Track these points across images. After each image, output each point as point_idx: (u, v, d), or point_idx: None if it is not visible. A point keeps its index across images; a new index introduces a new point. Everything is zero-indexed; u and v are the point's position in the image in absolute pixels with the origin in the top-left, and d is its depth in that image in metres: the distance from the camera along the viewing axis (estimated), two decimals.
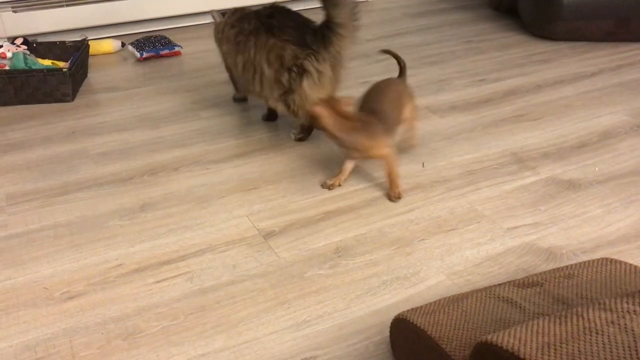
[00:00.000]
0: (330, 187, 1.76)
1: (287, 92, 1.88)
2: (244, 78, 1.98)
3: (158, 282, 1.41)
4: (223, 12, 2.06)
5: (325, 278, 1.42)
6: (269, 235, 1.57)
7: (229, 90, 2.45)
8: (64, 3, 2.93)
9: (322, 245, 1.53)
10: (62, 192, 1.77)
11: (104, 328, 1.28)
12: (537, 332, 0.87)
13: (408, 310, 1.13)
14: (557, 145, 1.97)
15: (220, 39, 2.04)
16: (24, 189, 1.79)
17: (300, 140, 2.04)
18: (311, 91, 1.84)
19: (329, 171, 1.85)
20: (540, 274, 1.19)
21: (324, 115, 1.61)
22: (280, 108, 1.95)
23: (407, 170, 1.85)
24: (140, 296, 1.37)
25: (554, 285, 1.15)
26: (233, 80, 2.20)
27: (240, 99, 2.32)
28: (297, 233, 1.58)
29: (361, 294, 1.36)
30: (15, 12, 2.85)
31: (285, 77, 1.85)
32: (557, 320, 0.90)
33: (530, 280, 1.17)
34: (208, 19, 3.32)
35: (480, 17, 3.35)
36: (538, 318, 0.95)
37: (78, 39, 2.66)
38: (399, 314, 1.14)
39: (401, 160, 1.90)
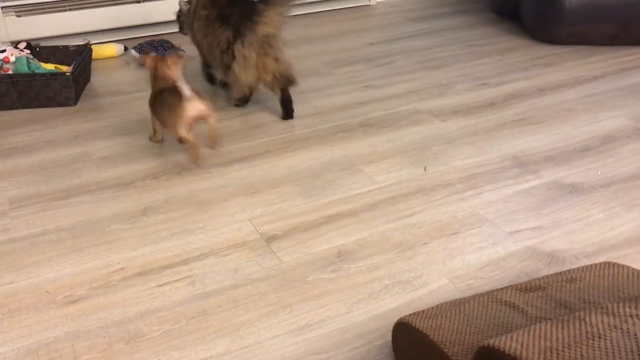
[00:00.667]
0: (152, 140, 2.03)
1: (226, 71, 2.18)
2: (208, 56, 2.30)
3: (160, 286, 1.41)
4: (189, 1, 2.33)
5: (327, 282, 1.42)
6: (271, 239, 1.57)
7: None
8: (67, 7, 2.94)
9: (324, 249, 1.53)
10: (64, 195, 1.77)
11: (106, 332, 1.28)
12: (540, 337, 0.87)
13: (410, 315, 1.13)
14: (560, 149, 1.97)
15: (191, 22, 2.29)
16: (26, 193, 1.79)
17: (236, 106, 2.36)
18: (240, 72, 2.12)
19: (331, 175, 1.85)
20: (543, 278, 1.19)
21: (148, 64, 1.93)
22: (222, 74, 2.27)
23: (409, 174, 1.85)
24: (142, 300, 1.37)
25: (556, 290, 1.14)
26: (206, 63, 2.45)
27: (239, 104, 2.34)
28: (299, 237, 1.58)
29: (363, 298, 1.36)
30: (18, 16, 2.86)
31: (225, 58, 2.15)
32: (560, 325, 0.90)
33: (533, 285, 1.16)
34: None
35: (482, 21, 3.35)
36: (540, 322, 0.95)
37: (81, 43, 2.67)
38: (401, 318, 1.14)
39: (403, 164, 1.91)
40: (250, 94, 2.32)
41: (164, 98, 1.84)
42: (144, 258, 1.50)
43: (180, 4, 2.38)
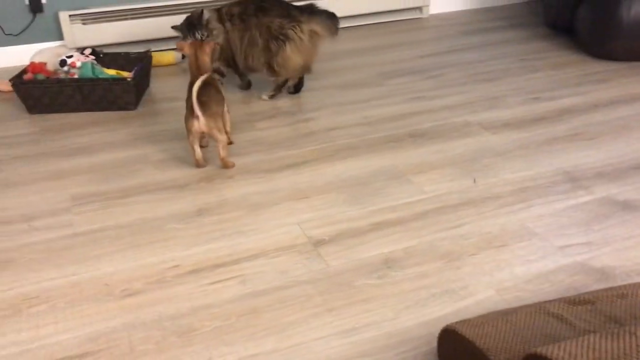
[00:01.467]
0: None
1: (272, 57, 2.41)
2: (244, 53, 2.47)
3: (212, 283, 1.46)
4: (217, 8, 2.50)
5: (373, 288, 1.44)
6: (318, 243, 1.61)
7: (284, 103, 2.52)
8: (129, 16, 3.08)
9: (371, 255, 1.56)
10: (123, 195, 1.86)
11: (161, 325, 1.34)
12: (588, 348, 0.87)
13: (457, 322, 1.14)
14: (613, 166, 1.94)
15: (223, 23, 2.47)
16: (88, 191, 1.88)
17: (271, 98, 2.55)
18: (292, 54, 2.40)
19: (379, 183, 1.88)
20: (593, 292, 1.18)
21: (187, 50, 2.03)
22: (263, 71, 2.50)
23: (458, 186, 1.85)
24: (195, 296, 1.42)
25: (606, 304, 1.14)
26: (235, 66, 2.61)
27: (275, 93, 2.57)
28: (346, 242, 1.61)
29: (410, 305, 1.38)
30: (84, 24, 3.01)
31: (273, 44, 2.39)
32: (609, 337, 0.90)
33: (582, 298, 1.16)
34: None
35: (535, 35, 3.32)
36: (589, 334, 0.95)
37: (142, 51, 2.79)
38: (447, 325, 1.15)
39: (452, 175, 1.91)
40: (286, 82, 2.56)
41: (188, 98, 1.92)
42: (197, 256, 1.56)
43: (203, 15, 2.45)
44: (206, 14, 2.43)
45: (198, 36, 2.40)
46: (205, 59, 2.00)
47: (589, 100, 2.44)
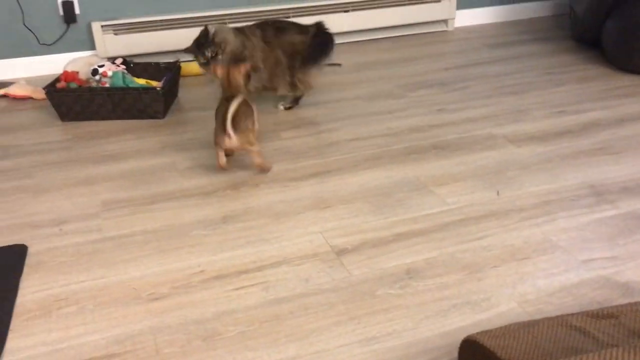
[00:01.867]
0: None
1: (295, 73, 2.48)
2: (269, 74, 2.49)
3: (236, 289, 1.49)
4: (238, 29, 2.50)
5: (395, 297, 1.45)
6: (341, 252, 1.63)
7: (308, 113, 2.56)
8: (159, 27, 3.15)
9: (393, 265, 1.57)
10: (151, 201, 1.90)
11: (186, 329, 1.37)
12: None
13: (478, 333, 1.15)
14: (638, 181, 1.92)
15: (247, 45, 2.46)
16: (117, 197, 1.93)
17: (288, 109, 2.61)
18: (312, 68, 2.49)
19: (402, 194, 1.89)
20: (616, 306, 1.18)
21: (219, 73, 2.04)
22: (286, 89, 2.54)
23: (481, 198, 1.86)
24: (220, 302, 1.45)
25: (630, 319, 1.13)
26: None
27: (293, 105, 2.62)
28: (368, 252, 1.62)
29: (431, 315, 1.39)
30: (116, 34, 3.09)
31: (297, 61, 2.46)
32: (632, 351, 0.90)
33: (605, 312, 1.16)
34: None
35: (561, 49, 3.31)
36: (612, 348, 0.95)
37: (171, 61, 2.85)
38: (468, 336, 1.16)
39: (475, 187, 1.92)
40: (302, 96, 2.64)
41: (219, 111, 1.96)
42: (222, 262, 1.59)
43: (209, 30, 2.42)
44: (211, 29, 2.43)
45: (208, 54, 2.40)
46: (239, 79, 2.02)
47: (614, 115, 2.42)
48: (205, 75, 3.06)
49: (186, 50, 2.48)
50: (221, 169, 2.02)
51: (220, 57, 2.39)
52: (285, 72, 2.49)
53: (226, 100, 1.95)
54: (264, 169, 2.02)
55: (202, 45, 2.41)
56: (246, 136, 1.93)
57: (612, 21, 2.92)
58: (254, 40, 2.46)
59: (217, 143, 1.95)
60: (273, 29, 2.48)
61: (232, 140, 1.90)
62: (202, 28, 2.44)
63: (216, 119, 1.97)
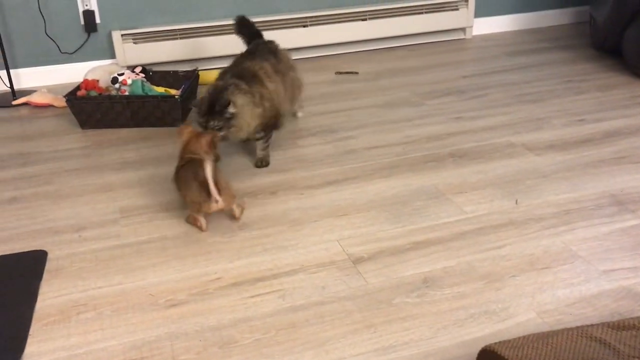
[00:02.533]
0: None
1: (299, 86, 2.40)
2: (290, 98, 2.32)
3: (252, 297, 1.49)
4: (253, 74, 2.11)
5: (412, 306, 1.44)
6: (358, 260, 1.62)
7: (325, 121, 2.56)
8: (178, 36, 3.18)
9: (410, 274, 1.56)
10: (169, 208, 1.91)
11: (202, 335, 1.37)
12: None
13: (496, 343, 1.14)
14: None
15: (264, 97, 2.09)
16: (136, 204, 1.94)
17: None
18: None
19: (419, 202, 1.88)
20: (638, 317, 1.16)
21: (182, 137, 1.84)
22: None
23: (499, 207, 1.84)
24: (236, 309, 1.45)
25: None
26: None
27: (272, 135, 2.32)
28: (385, 260, 1.61)
29: (448, 325, 1.37)
30: (135, 43, 3.12)
31: (296, 74, 2.37)
32: None
33: (627, 323, 1.14)
34: (308, 54, 3.47)
35: (581, 57, 3.28)
36: None
37: (189, 69, 2.87)
38: (486, 346, 1.15)
39: (493, 196, 1.90)
40: None
41: (188, 177, 1.73)
42: (238, 270, 1.59)
43: (239, 113, 1.97)
44: (232, 99, 1.96)
45: (213, 124, 1.95)
46: (199, 148, 1.74)
47: (636, 123, 2.39)
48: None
49: (194, 104, 2.01)
50: (202, 230, 1.79)
51: (222, 130, 1.96)
52: (297, 90, 2.42)
53: (188, 162, 1.74)
54: (239, 213, 1.83)
55: (214, 113, 1.94)
56: (230, 195, 1.76)
57: (633, 29, 2.88)
58: (270, 84, 2.11)
59: (200, 210, 1.74)
60: (272, 57, 2.25)
61: (219, 203, 1.71)
62: (221, 87, 1.99)
63: (184, 184, 1.75)
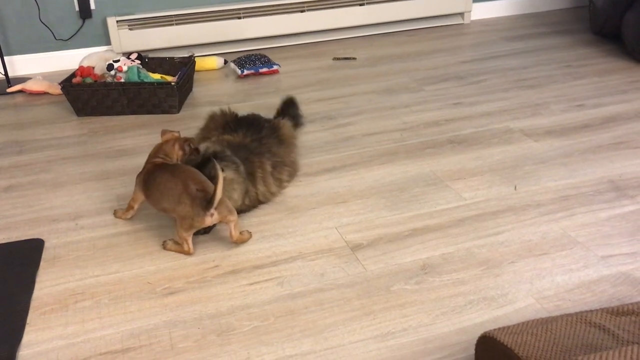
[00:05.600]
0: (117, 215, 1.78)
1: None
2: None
3: (251, 284, 1.49)
4: (247, 158, 1.85)
5: (410, 293, 1.44)
6: (356, 247, 1.61)
7: (323, 108, 2.54)
8: (174, 22, 3.15)
9: (409, 261, 1.55)
10: None
11: (200, 323, 1.37)
12: (632, 359, 0.86)
13: (495, 329, 1.13)
14: None
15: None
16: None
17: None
18: None
19: (417, 189, 1.88)
20: (637, 303, 1.16)
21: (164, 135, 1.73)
22: None
23: (498, 193, 1.84)
24: (234, 296, 1.45)
25: None
26: None
27: None
28: (384, 247, 1.61)
29: (447, 311, 1.37)
30: (131, 29, 3.09)
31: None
32: None
33: (626, 309, 1.14)
34: (305, 40, 3.44)
35: (580, 41, 3.26)
36: (632, 345, 0.93)
37: (185, 56, 2.85)
38: (486, 332, 1.15)
39: (492, 182, 1.90)
40: None
41: (174, 188, 1.56)
42: (236, 257, 1.59)
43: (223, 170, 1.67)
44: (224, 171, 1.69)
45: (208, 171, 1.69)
46: (171, 152, 1.68)
47: (635, 108, 2.38)
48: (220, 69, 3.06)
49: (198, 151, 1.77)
50: (190, 254, 1.62)
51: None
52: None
53: (164, 169, 1.62)
54: (244, 239, 1.64)
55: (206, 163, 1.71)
56: (226, 205, 1.57)
57: (633, 13, 2.86)
58: (264, 164, 1.86)
59: (191, 227, 1.55)
60: (248, 126, 2.00)
61: (214, 217, 1.54)
62: (215, 153, 1.74)
63: (168, 197, 1.57)
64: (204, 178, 1.59)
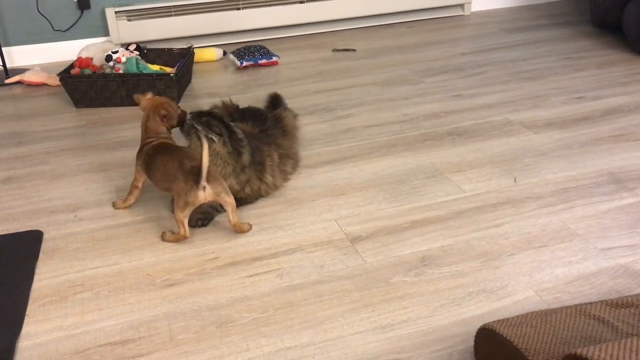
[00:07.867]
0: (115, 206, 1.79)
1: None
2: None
3: (250, 276, 1.49)
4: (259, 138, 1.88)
5: (410, 285, 1.44)
6: (355, 239, 1.61)
7: (322, 99, 2.54)
8: (173, 13, 3.14)
9: (408, 253, 1.55)
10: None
11: (200, 315, 1.37)
12: (631, 350, 0.86)
13: (494, 321, 1.14)
14: None
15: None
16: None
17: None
18: None
19: (417, 181, 1.87)
20: (636, 295, 1.16)
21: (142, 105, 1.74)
22: None
23: (497, 185, 1.83)
24: (234, 288, 1.45)
25: None
26: None
27: None
28: (383, 239, 1.61)
29: (446, 303, 1.37)
30: (129, 20, 3.08)
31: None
32: None
33: (625, 301, 1.14)
34: (304, 31, 3.43)
35: (580, 33, 3.25)
36: (631, 337, 0.93)
37: (184, 47, 2.84)
38: (485, 324, 1.15)
39: (492, 174, 1.89)
40: None
41: (170, 167, 1.59)
42: (236, 249, 1.59)
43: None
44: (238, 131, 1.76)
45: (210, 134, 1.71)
46: (158, 128, 1.70)
47: (635, 100, 2.37)
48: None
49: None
50: (186, 239, 1.62)
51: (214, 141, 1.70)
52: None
53: (163, 149, 1.64)
54: (243, 229, 1.63)
55: (214, 117, 1.76)
56: (220, 182, 1.57)
57: (634, 5, 2.85)
58: (272, 154, 1.86)
59: (186, 204, 1.54)
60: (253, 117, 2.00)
61: (207, 192, 1.54)
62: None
63: (164, 176, 1.60)
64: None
